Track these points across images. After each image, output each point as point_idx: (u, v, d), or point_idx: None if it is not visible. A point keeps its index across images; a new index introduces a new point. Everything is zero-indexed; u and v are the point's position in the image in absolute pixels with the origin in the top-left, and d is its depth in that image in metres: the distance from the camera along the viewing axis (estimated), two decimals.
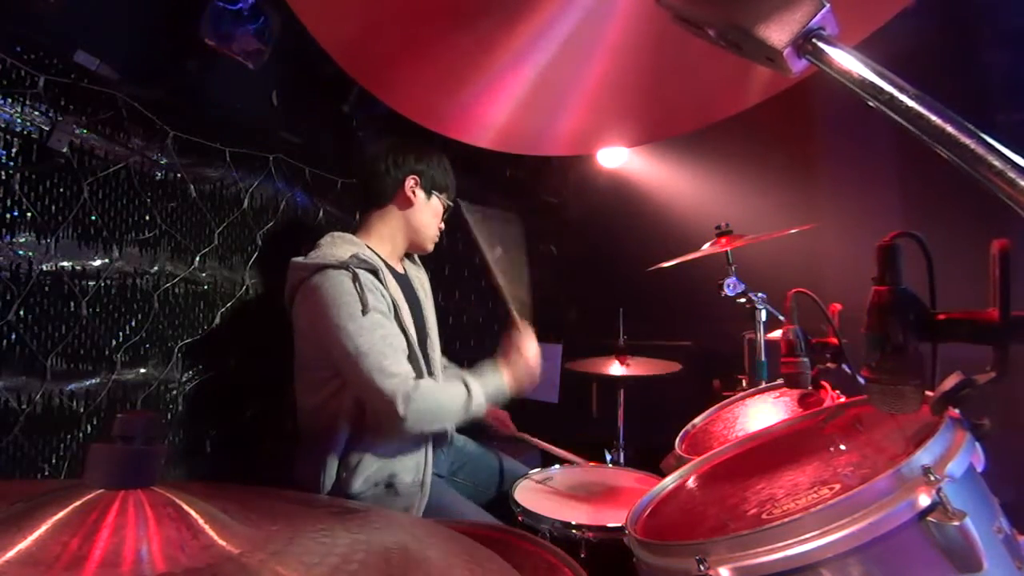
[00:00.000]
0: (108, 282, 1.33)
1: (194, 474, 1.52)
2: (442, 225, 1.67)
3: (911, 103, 0.34)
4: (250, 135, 1.67)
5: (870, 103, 0.35)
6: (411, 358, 1.40)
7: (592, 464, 1.70)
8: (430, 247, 1.67)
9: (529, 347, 1.54)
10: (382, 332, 1.35)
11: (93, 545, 0.37)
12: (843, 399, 0.96)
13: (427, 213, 1.61)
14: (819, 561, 0.55)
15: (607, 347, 2.17)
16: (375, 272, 1.41)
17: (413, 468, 1.44)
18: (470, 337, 2.75)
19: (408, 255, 1.71)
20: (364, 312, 1.32)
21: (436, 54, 0.55)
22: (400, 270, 1.63)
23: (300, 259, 1.43)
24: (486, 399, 1.43)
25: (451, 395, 1.39)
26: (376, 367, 1.30)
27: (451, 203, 1.66)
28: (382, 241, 1.57)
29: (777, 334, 1.58)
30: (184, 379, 1.50)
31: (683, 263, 1.84)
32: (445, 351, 1.76)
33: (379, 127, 1.97)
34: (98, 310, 1.32)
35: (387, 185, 1.56)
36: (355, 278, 1.34)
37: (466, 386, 1.40)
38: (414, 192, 1.57)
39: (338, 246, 1.45)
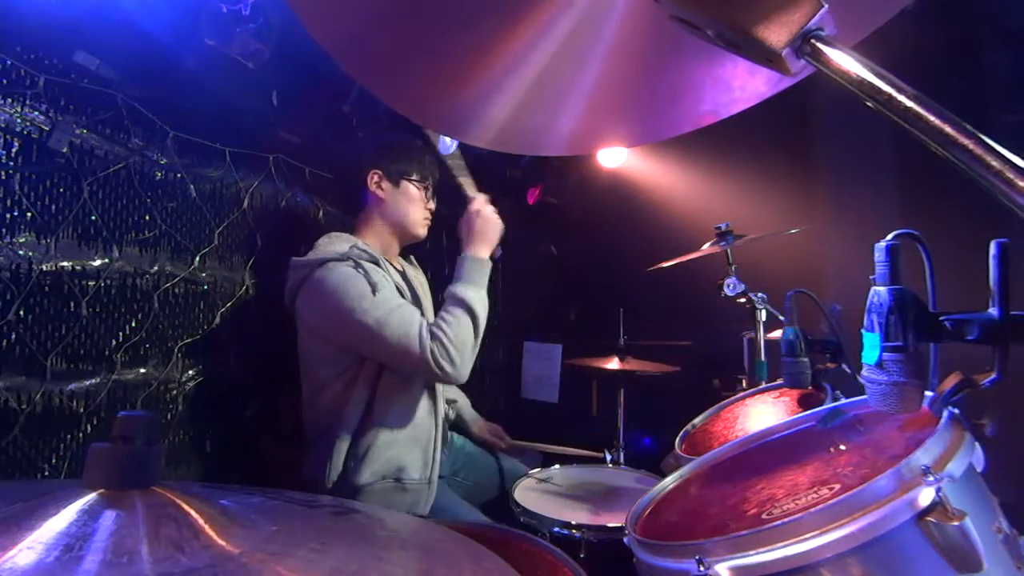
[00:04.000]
0: (108, 282, 1.33)
1: (194, 474, 1.52)
2: (431, 205, 1.65)
3: (909, 103, 0.34)
4: (250, 135, 1.67)
5: (869, 103, 0.35)
6: None
7: (595, 454, 1.72)
8: (422, 232, 1.65)
9: (480, 205, 1.53)
10: (397, 302, 1.37)
11: (93, 545, 0.37)
12: (843, 399, 0.96)
13: (402, 201, 1.59)
14: (818, 561, 0.55)
15: (607, 347, 2.17)
16: (376, 262, 1.43)
17: (421, 463, 1.44)
18: None
19: (405, 256, 1.71)
20: (375, 292, 1.34)
21: (436, 54, 0.55)
22: (398, 267, 1.63)
23: (300, 258, 1.43)
24: (481, 292, 1.43)
25: (464, 324, 1.38)
26: (402, 331, 1.31)
27: (426, 183, 1.63)
28: (373, 240, 1.58)
29: (777, 334, 1.58)
30: (184, 379, 1.50)
31: (683, 263, 1.84)
32: None
33: (379, 127, 1.97)
34: (98, 310, 1.31)
35: (356, 187, 1.58)
36: (358, 266, 1.36)
37: (464, 306, 1.39)
38: (380, 187, 1.57)
39: (336, 243, 1.46)
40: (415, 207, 1.62)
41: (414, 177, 1.60)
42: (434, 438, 1.48)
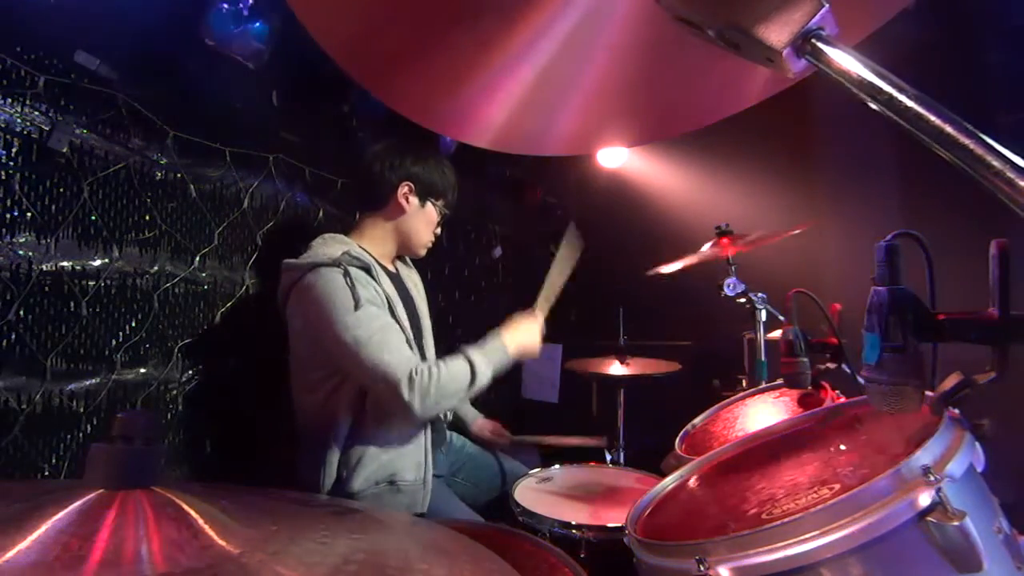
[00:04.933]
0: (108, 282, 1.33)
1: (194, 474, 1.52)
2: (438, 231, 1.65)
3: (910, 103, 0.34)
4: (250, 135, 1.67)
5: (869, 104, 0.35)
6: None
7: (595, 441, 1.74)
8: (422, 253, 1.66)
9: (536, 325, 1.53)
10: (379, 322, 1.35)
11: (93, 545, 0.37)
12: (843, 399, 0.96)
13: (420, 221, 1.59)
14: (819, 561, 0.55)
15: (607, 347, 2.17)
16: (367, 269, 1.41)
17: (414, 467, 1.44)
18: (470, 337, 2.75)
19: (400, 256, 1.71)
20: (357, 307, 1.32)
21: (436, 54, 0.55)
22: (392, 269, 1.62)
23: (292, 260, 1.43)
24: (491, 370, 1.40)
25: (455, 373, 1.36)
26: (377, 353, 1.30)
27: (447, 211, 1.64)
28: (374, 243, 1.56)
29: (777, 334, 1.58)
30: (184, 379, 1.50)
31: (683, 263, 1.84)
32: (446, 350, 1.76)
33: (379, 127, 1.97)
34: (98, 310, 1.31)
35: (380, 189, 1.55)
36: (346, 274, 1.34)
37: (469, 362, 1.38)
38: (407, 199, 1.55)
39: (329, 245, 1.45)
40: (427, 230, 1.61)
41: (439, 203, 1.61)
42: (426, 439, 1.48)
